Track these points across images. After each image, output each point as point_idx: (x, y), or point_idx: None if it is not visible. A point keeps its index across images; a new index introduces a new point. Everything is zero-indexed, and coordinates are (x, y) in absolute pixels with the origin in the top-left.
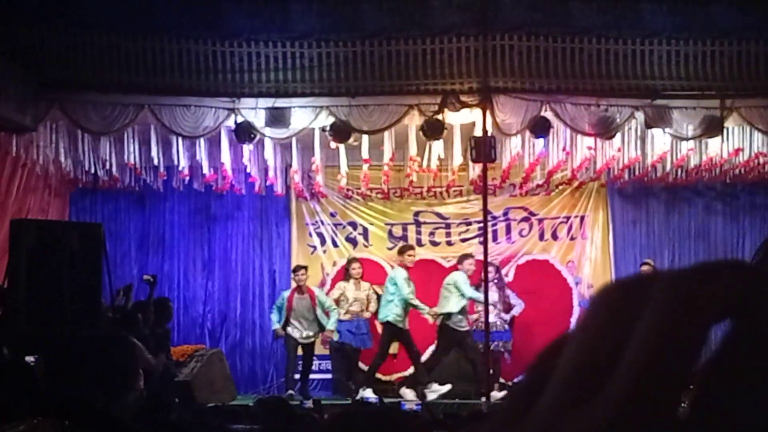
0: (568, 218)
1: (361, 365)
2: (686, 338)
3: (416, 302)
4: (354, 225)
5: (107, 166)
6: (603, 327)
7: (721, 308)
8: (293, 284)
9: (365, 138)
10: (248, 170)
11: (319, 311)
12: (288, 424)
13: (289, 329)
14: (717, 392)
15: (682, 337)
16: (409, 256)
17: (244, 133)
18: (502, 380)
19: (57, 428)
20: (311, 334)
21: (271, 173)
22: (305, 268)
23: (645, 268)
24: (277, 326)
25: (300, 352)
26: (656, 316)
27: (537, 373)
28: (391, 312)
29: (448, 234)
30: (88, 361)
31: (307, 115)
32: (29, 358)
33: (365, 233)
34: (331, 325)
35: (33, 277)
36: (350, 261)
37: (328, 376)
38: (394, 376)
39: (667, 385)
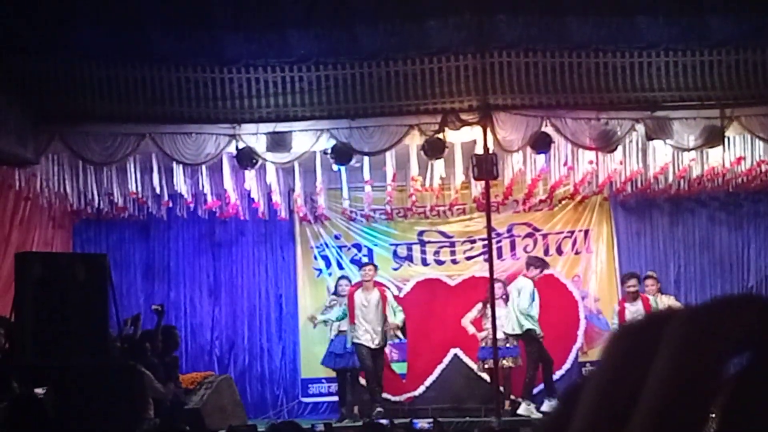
0: (572, 233)
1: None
2: (702, 375)
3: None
4: (358, 247)
5: (110, 197)
6: (620, 368)
7: (737, 344)
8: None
9: (366, 159)
10: (251, 195)
11: (389, 311)
12: None
13: (357, 335)
14: (736, 424)
15: (699, 374)
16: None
17: (245, 158)
18: (512, 396)
19: None
20: (379, 339)
21: (274, 198)
22: (373, 265)
23: (649, 281)
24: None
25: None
26: (672, 354)
27: (559, 414)
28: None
29: (453, 252)
30: (97, 392)
31: (308, 139)
32: (38, 390)
33: (370, 254)
34: (399, 320)
35: (40, 310)
36: (338, 279)
37: (337, 398)
38: (404, 397)
39: (686, 422)
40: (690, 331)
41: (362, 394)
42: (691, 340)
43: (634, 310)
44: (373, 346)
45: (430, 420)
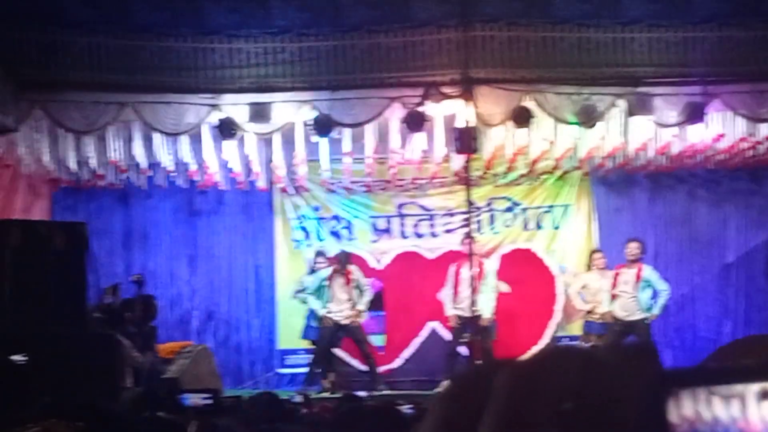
0: (551, 207)
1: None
2: (527, 420)
3: None
4: (338, 219)
5: (90, 165)
6: (457, 408)
7: (556, 395)
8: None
9: (347, 131)
10: (230, 166)
11: (354, 291)
12: (280, 419)
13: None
14: None
15: (524, 419)
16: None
17: (226, 129)
18: None
19: (71, 430)
20: (351, 313)
21: (254, 168)
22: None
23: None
24: (323, 311)
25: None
26: (499, 408)
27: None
28: None
29: (432, 225)
30: (75, 360)
31: (289, 110)
32: (17, 357)
33: (349, 227)
34: (362, 305)
35: (18, 278)
36: (315, 254)
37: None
38: (381, 369)
39: None
40: (514, 385)
41: (339, 366)
42: (515, 395)
43: (631, 274)
44: (343, 321)
45: (411, 405)
